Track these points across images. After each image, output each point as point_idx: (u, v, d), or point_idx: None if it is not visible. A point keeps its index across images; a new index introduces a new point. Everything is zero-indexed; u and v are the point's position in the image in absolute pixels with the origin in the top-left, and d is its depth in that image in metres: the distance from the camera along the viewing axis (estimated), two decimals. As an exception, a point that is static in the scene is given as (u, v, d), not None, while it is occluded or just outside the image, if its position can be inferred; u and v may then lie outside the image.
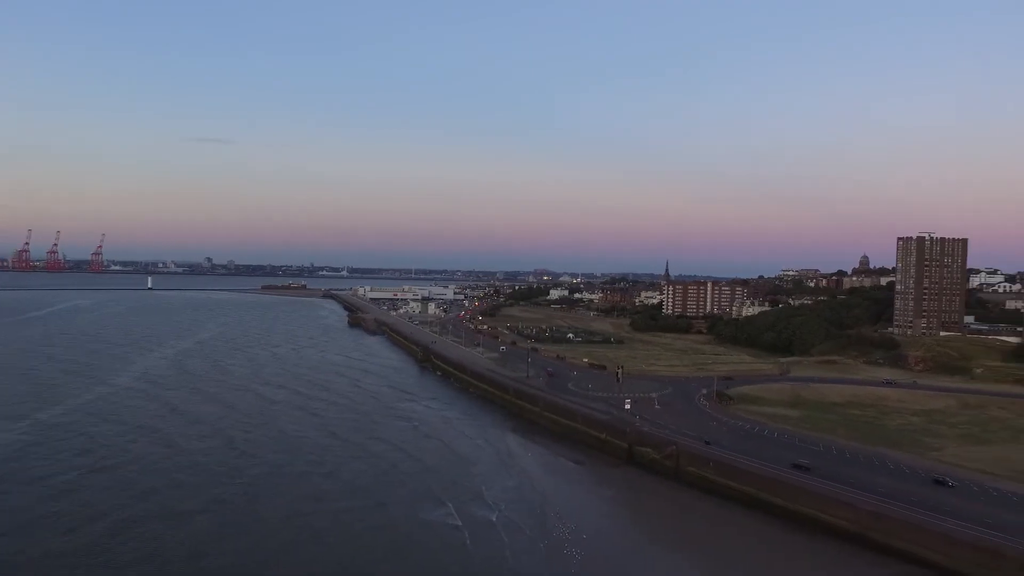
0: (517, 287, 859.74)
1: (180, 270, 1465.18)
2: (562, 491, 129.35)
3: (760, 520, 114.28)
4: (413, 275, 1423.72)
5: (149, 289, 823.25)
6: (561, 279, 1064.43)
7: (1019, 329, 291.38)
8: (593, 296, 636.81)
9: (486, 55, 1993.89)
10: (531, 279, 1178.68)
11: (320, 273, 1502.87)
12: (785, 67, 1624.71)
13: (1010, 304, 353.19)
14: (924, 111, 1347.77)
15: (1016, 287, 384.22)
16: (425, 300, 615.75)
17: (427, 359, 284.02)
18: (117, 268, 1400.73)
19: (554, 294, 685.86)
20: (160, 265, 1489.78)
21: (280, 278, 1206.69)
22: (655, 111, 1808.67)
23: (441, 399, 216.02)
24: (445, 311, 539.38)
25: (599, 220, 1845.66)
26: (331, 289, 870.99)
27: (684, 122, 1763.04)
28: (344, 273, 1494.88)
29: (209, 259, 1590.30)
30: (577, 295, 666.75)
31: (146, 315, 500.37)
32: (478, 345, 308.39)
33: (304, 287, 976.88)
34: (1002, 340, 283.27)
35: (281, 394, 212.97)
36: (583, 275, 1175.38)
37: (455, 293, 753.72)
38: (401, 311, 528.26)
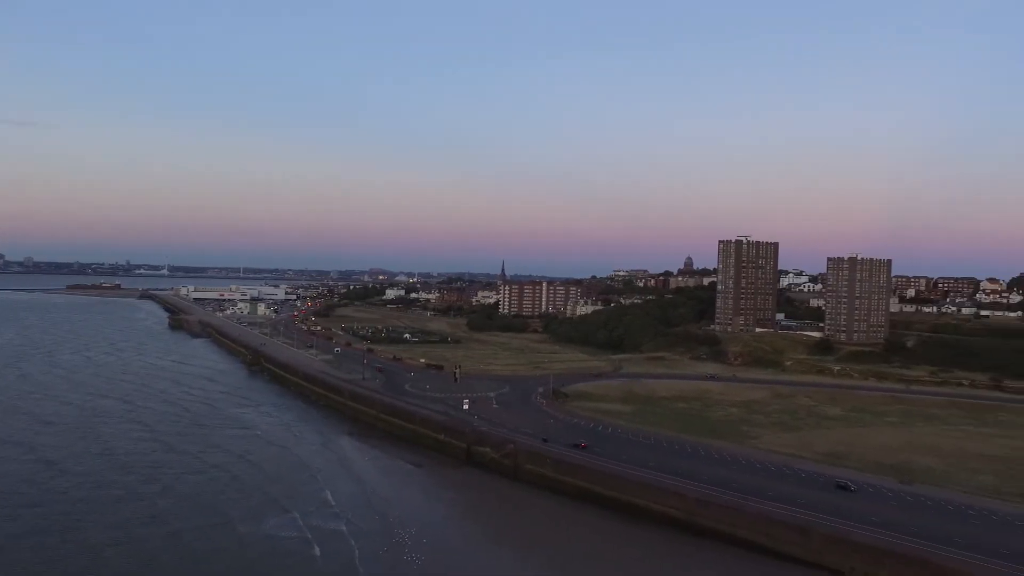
0: (352, 287, 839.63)
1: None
2: (402, 495, 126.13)
3: (597, 514, 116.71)
4: (241, 274, 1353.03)
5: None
6: (397, 279, 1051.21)
7: (821, 325, 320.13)
8: (430, 296, 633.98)
9: (321, 52, 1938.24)
10: (366, 278, 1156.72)
11: (137, 272, 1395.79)
12: (615, 76, 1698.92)
13: (814, 302, 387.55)
14: (743, 127, 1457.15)
15: (818, 287, 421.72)
16: (254, 300, 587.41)
17: (257, 362, 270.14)
18: None
19: (390, 294, 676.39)
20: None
21: (90, 277, 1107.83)
22: (491, 114, 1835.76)
23: (274, 404, 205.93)
24: (276, 312, 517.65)
25: (435, 220, 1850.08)
26: (150, 289, 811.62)
27: (518, 126, 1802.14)
28: (164, 272, 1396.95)
29: (0, 255, 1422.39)
30: (414, 295, 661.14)
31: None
32: (311, 347, 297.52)
33: (119, 287, 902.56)
34: (807, 335, 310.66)
35: (103, 404, 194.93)
36: (420, 275, 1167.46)
37: (287, 293, 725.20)
38: (228, 312, 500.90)
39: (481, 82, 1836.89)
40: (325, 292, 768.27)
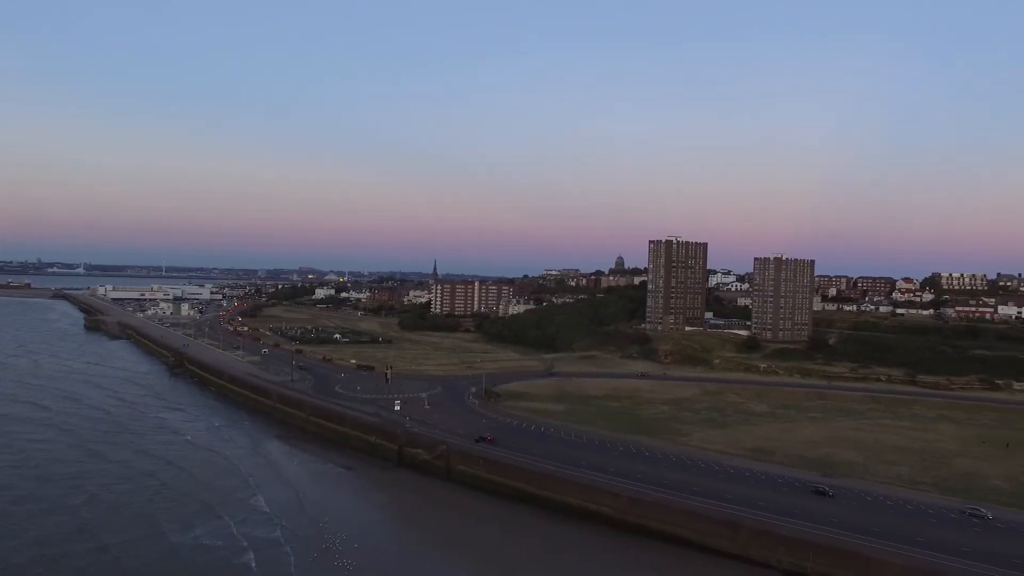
0: (281, 286, 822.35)
1: None
2: (333, 499, 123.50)
3: (530, 514, 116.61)
4: (164, 273, 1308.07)
5: None
6: (327, 278, 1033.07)
7: (748, 323, 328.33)
8: (361, 295, 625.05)
9: (247, 47, 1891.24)
10: (295, 278, 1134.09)
11: (50, 270, 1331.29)
12: (546, 76, 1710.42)
13: (741, 301, 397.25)
14: (672, 129, 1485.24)
15: (745, 286, 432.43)
16: (178, 300, 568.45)
17: (180, 364, 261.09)
18: None
19: (320, 293, 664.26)
20: None
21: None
22: (422, 113, 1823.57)
23: (200, 407, 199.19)
24: (201, 312, 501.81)
25: (367, 218, 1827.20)
26: (63, 289, 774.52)
27: (450, 124, 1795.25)
28: (80, 271, 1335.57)
29: None
30: (344, 294, 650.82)
31: None
32: (238, 348, 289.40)
33: (28, 286, 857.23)
34: (735, 333, 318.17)
35: (19, 409, 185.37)
36: (350, 274, 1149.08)
37: (212, 293, 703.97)
38: (149, 313, 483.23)
39: (412, 80, 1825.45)
40: (253, 292, 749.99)
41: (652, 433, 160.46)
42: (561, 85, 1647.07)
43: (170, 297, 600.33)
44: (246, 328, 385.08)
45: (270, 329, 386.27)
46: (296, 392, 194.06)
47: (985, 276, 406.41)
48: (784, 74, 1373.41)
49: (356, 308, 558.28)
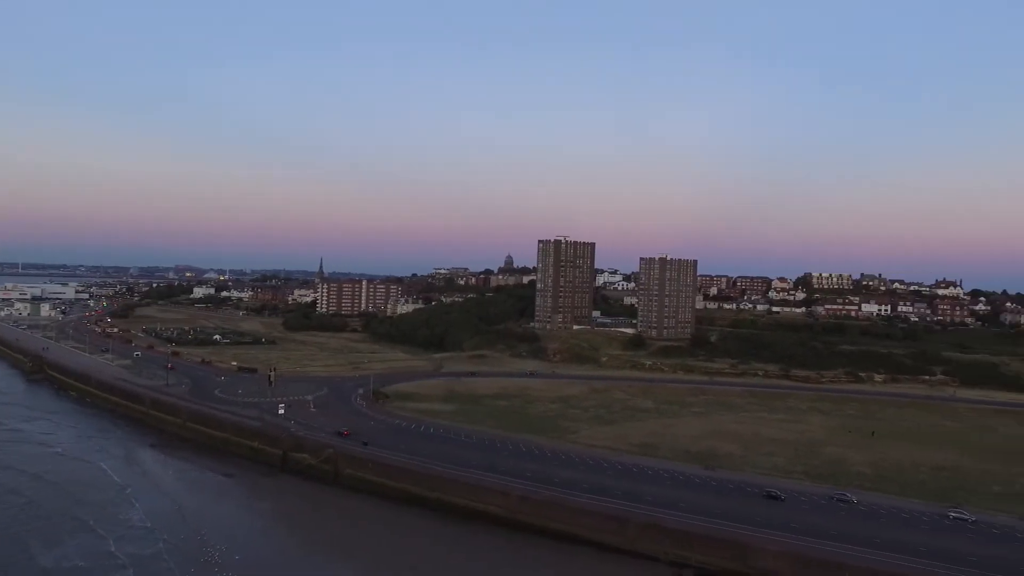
0: (155, 284, 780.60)
1: None
2: (213, 509, 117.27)
3: (421, 516, 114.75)
4: (20, 270, 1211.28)
5: None
6: (207, 276, 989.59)
7: (634, 321, 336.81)
8: (243, 294, 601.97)
9: (119, 35, 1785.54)
10: (172, 276, 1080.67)
11: None
12: (435, 75, 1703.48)
13: (627, 300, 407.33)
14: (561, 131, 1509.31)
15: (631, 285, 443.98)
16: (37, 300, 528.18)
17: (39, 370, 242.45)
18: None
19: (199, 292, 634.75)
20: None
21: None
22: (306, 108, 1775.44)
23: (63, 416, 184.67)
24: (64, 313, 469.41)
25: (249, 215, 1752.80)
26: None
27: (335, 120, 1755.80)
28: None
29: None
30: (225, 293, 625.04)
31: None
32: (107, 351, 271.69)
33: None
34: (621, 332, 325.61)
35: None
36: (232, 272, 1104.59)
37: (78, 292, 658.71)
38: (3, 314, 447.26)
39: (294, 73, 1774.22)
40: (124, 291, 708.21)
41: (541, 431, 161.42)
42: (449, 84, 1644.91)
43: (27, 296, 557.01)
44: (116, 329, 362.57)
45: (143, 330, 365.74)
46: (172, 397, 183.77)
47: (850, 276, 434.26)
48: (663, 80, 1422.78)
49: (238, 308, 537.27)
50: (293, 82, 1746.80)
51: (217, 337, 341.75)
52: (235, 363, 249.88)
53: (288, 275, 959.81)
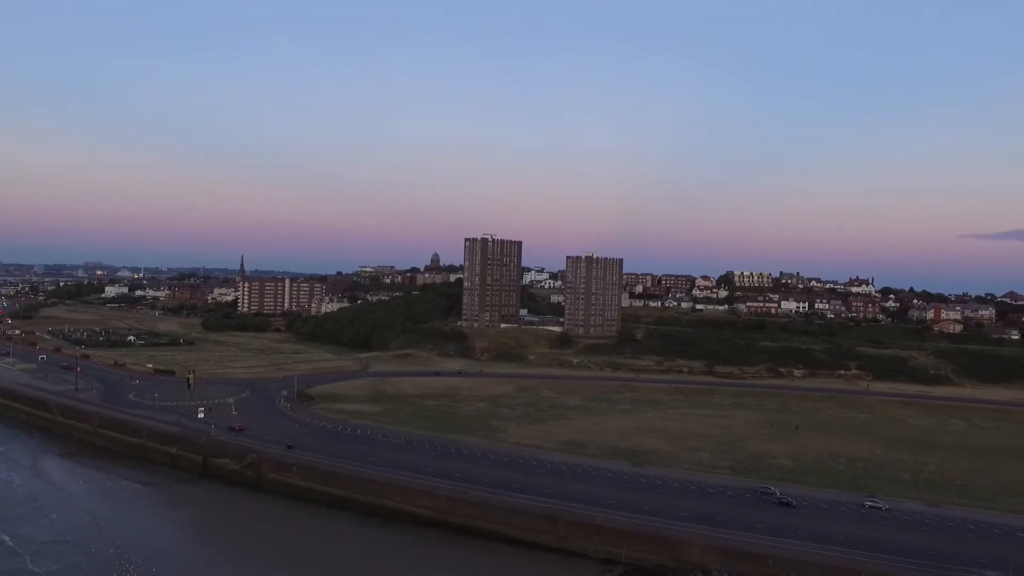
0: (63, 283, 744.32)
1: None
2: (129, 519, 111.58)
3: (348, 520, 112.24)
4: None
5: None
6: (120, 274, 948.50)
7: (561, 319, 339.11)
8: (159, 293, 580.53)
9: (19, 17, 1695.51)
10: (81, 274, 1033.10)
11: None
12: (354, 71, 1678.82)
13: (554, 298, 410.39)
14: (488, 130, 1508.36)
15: (558, 284, 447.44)
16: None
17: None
18: None
19: (111, 291, 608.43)
20: None
21: None
22: (223, 99, 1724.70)
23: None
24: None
25: (164, 211, 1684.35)
26: None
27: (255, 113, 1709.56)
28: None
29: None
30: (139, 292, 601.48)
31: None
32: (7, 354, 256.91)
33: None
34: (548, 330, 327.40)
35: None
36: (146, 270, 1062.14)
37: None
38: None
39: (211, 66, 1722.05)
40: (27, 290, 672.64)
41: (470, 431, 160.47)
42: (372, 82, 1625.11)
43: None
44: (18, 331, 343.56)
45: (49, 332, 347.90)
46: (82, 403, 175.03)
47: (770, 275, 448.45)
48: (587, 83, 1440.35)
49: (153, 307, 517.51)
50: (209, 75, 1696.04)
51: (131, 339, 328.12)
52: (151, 365, 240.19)
53: (207, 273, 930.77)
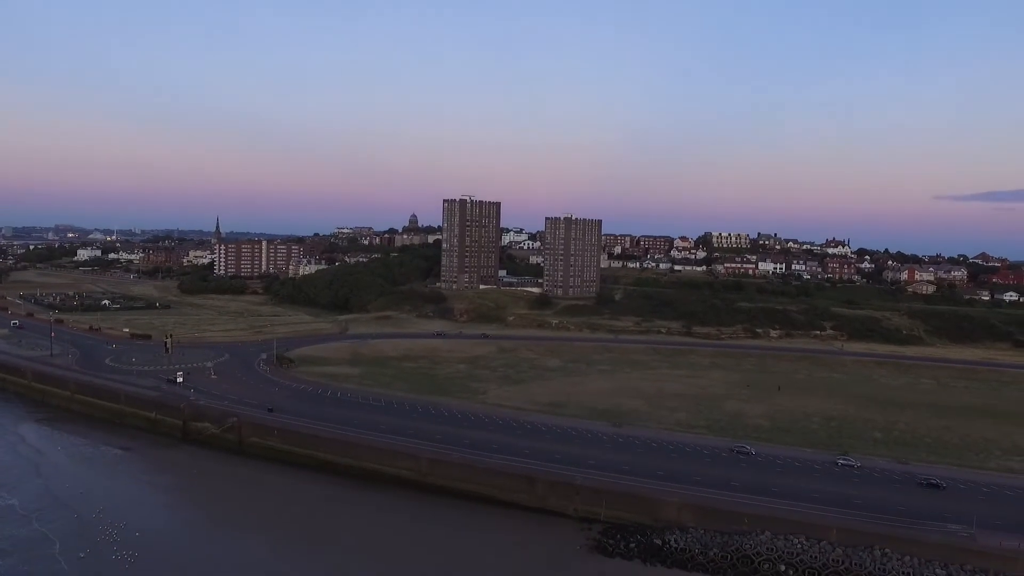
0: (33, 247, 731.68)
1: None
2: (109, 485, 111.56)
3: (330, 482, 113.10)
4: None
5: None
6: (92, 237, 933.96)
7: (540, 281, 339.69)
8: (133, 256, 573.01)
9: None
10: (52, 237, 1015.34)
11: None
12: (338, 27, 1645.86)
13: (533, 259, 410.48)
14: (469, 91, 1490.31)
15: (537, 244, 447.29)
16: None
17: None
18: None
19: (83, 254, 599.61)
20: None
21: None
22: (200, 61, 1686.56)
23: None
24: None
25: (137, 172, 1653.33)
26: None
27: (229, 73, 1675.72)
28: None
29: None
30: (113, 255, 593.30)
31: None
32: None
33: None
34: (528, 291, 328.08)
35: None
36: (120, 232, 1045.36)
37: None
38: None
39: (186, 28, 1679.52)
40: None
41: (450, 392, 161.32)
42: (351, 44, 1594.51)
43: None
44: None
45: (21, 296, 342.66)
46: (57, 368, 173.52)
47: (748, 236, 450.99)
48: (565, 46, 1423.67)
49: (128, 270, 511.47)
50: (184, 37, 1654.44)
51: (106, 303, 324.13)
52: (127, 330, 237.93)
53: (182, 235, 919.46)
